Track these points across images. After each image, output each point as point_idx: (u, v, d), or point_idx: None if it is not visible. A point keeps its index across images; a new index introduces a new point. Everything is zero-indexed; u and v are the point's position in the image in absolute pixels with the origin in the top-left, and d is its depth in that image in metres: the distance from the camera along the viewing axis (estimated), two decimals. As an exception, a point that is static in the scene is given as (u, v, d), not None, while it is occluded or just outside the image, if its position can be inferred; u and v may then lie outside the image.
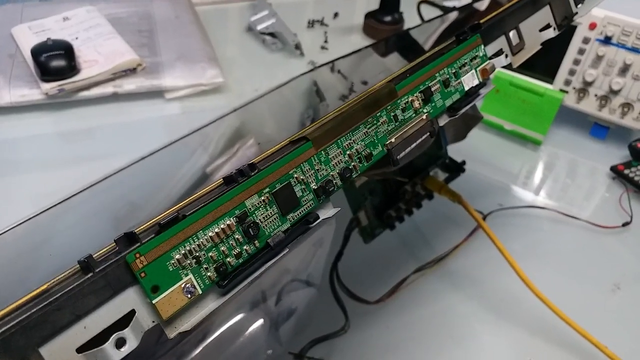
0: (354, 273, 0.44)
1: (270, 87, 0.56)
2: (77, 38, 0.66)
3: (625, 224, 0.51)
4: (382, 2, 0.74)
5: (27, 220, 0.34)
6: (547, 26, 0.34)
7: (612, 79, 0.58)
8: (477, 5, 0.52)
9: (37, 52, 0.60)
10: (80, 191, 0.39)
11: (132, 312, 0.15)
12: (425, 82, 0.24)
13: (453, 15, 0.61)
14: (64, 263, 0.24)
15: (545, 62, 0.61)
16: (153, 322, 0.15)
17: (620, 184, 0.56)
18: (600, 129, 0.62)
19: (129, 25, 0.70)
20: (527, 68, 0.62)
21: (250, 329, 0.33)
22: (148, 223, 0.16)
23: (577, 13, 0.36)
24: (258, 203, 0.18)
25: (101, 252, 0.15)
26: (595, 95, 0.60)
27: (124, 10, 0.73)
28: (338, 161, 0.21)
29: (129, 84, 0.64)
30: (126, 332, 0.15)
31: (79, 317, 0.14)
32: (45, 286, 0.14)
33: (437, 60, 0.25)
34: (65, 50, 0.61)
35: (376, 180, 0.45)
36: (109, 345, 0.14)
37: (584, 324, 0.39)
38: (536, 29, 0.33)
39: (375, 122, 0.22)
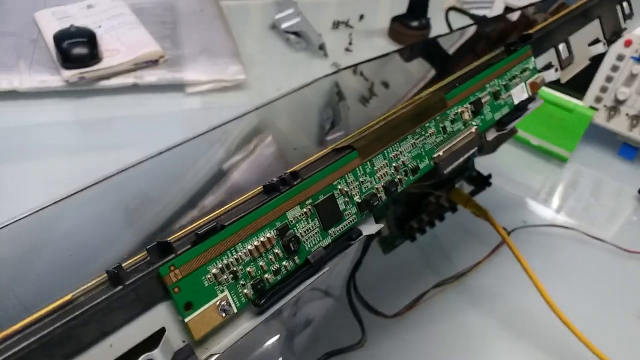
0: (372, 284, 0.43)
1: (291, 86, 0.55)
2: (100, 26, 0.65)
3: (652, 250, 0.49)
4: (409, 6, 0.72)
5: (37, 210, 0.33)
6: (596, 41, 0.32)
7: (647, 99, 0.56)
8: (508, 16, 0.51)
9: (59, 38, 0.59)
10: (95, 183, 0.38)
11: (162, 330, 0.14)
12: (475, 93, 0.23)
13: (483, 26, 0.59)
14: (76, 256, 0.23)
15: (576, 78, 0.59)
16: (183, 342, 0.14)
17: (648, 208, 0.54)
18: (629, 150, 0.60)
19: (152, 16, 0.69)
20: (557, 83, 0.60)
21: (267, 340, 0.31)
22: (183, 231, 0.14)
23: (626, 29, 0.34)
24: (300, 215, 0.17)
25: (131, 261, 0.14)
26: (627, 115, 0.58)
27: (148, 0, 0.72)
28: (384, 173, 0.19)
29: (150, 76, 0.63)
30: (155, 354, 0.13)
31: (105, 333, 0.13)
32: (69, 296, 0.13)
33: (488, 70, 0.24)
34: (88, 37, 0.60)
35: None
36: (137, 367, 0.13)
37: (605, 349, 0.38)
38: (585, 43, 0.31)
39: (423, 132, 0.21)
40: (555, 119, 0.59)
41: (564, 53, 0.29)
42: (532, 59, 0.26)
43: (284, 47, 0.73)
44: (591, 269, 0.49)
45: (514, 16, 0.51)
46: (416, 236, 0.45)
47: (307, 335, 0.37)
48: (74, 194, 0.35)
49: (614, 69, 0.57)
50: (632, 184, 0.57)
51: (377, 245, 0.44)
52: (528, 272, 0.41)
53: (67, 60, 0.58)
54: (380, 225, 0.19)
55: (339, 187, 0.18)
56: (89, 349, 0.12)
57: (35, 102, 0.58)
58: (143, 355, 0.13)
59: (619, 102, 0.58)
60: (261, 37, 0.75)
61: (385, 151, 0.19)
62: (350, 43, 0.74)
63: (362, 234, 0.18)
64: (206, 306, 0.14)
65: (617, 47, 0.57)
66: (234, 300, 0.15)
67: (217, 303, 0.15)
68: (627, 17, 0.35)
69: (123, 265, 0.13)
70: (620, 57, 0.57)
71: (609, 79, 0.58)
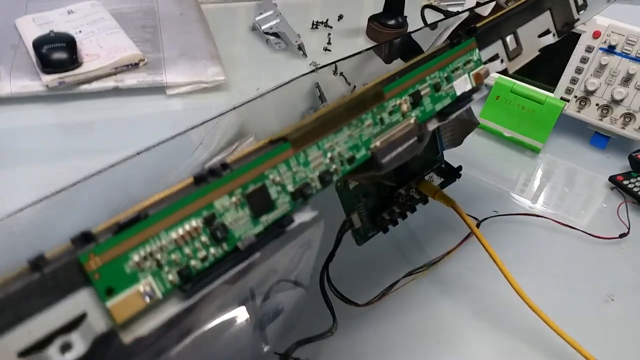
0: (345, 275, 0.43)
1: (271, 86, 0.55)
2: (80, 32, 0.65)
3: (622, 235, 0.50)
4: (385, 5, 0.73)
5: (16, 212, 0.34)
6: (547, 32, 0.33)
7: (615, 89, 0.57)
8: (479, 10, 0.51)
9: (39, 43, 0.60)
10: (78, 182, 0.38)
11: (83, 315, 0.14)
12: (414, 85, 0.24)
13: (456, 20, 0.60)
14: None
15: (547, 70, 0.60)
16: (107, 326, 0.15)
17: (618, 195, 0.55)
18: (600, 139, 0.61)
19: (133, 21, 0.70)
20: (528, 75, 0.61)
21: (235, 327, 0.32)
22: (108, 222, 0.15)
23: (578, 19, 0.35)
24: (229, 204, 0.17)
25: (55, 251, 0.15)
26: (597, 105, 0.59)
27: (128, 5, 0.73)
28: (318, 164, 0.20)
29: (130, 79, 0.63)
30: (73, 337, 0.14)
31: (21, 319, 0.13)
32: (-7, 284, 0.14)
33: (429, 63, 0.25)
34: (67, 42, 0.60)
35: (370, 184, 0.44)
36: (52, 350, 0.14)
37: (575, 334, 0.39)
38: (535, 35, 0.32)
39: (359, 124, 0.21)
40: (527, 111, 0.60)
41: (511, 44, 0.30)
42: (477, 51, 0.27)
43: (264, 48, 0.73)
44: (562, 255, 0.50)
45: (486, 10, 0.52)
46: (389, 228, 0.46)
47: (278, 324, 0.37)
48: (55, 193, 0.36)
49: (584, 60, 0.58)
50: (604, 172, 0.58)
51: (351, 238, 0.45)
52: (495, 260, 0.41)
53: (47, 65, 0.59)
54: (314, 213, 0.19)
55: (271, 176, 0.19)
56: (5, 333, 0.13)
57: (16, 107, 0.58)
58: (58, 338, 0.13)
59: (589, 93, 0.59)
60: (241, 39, 0.76)
61: (319, 142, 0.20)
62: (329, 43, 0.75)
63: (293, 221, 0.19)
64: (128, 291, 0.15)
65: (586, 38, 0.57)
66: (158, 286, 0.16)
67: (141, 289, 0.15)
68: (580, 7, 0.36)
69: (47, 254, 0.14)
70: (589, 49, 0.58)
71: (579, 71, 0.59)
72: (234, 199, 0.17)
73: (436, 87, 0.25)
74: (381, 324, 0.43)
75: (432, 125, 0.25)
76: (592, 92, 0.58)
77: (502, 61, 0.29)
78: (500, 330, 0.42)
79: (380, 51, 0.63)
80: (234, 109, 0.56)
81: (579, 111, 0.60)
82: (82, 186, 0.38)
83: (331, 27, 0.78)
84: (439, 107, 0.25)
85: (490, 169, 0.59)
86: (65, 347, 0.14)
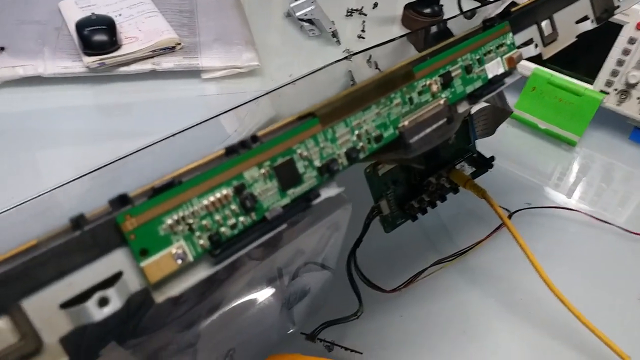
0: (373, 261, 0.44)
1: (303, 72, 0.56)
2: (120, 14, 0.67)
3: (657, 233, 0.49)
4: (422, -7, 0.72)
5: (53, 189, 0.35)
6: (585, 18, 0.32)
7: (659, 82, 0.55)
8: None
9: (81, 26, 0.62)
10: (115, 160, 0.40)
11: (119, 274, 0.15)
12: (445, 67, 0.24)
13: (493, 8, 0.59)
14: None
15: (586, 62, 0.59)
16: (140, 285, 0.16)
17: (659, 192, 0.54)
18: (640, 134, 0.59)
19: (171, 5, 0.71)
20: (566, 67, 0.60)
21: (262, 304, 0.33)
22: (144, 187, 0.16)
23: (618, 6, 0.34)
24: (257, 176, 0.18)
25: (95, 212, 0.15)
26: (638, 99, 0.57)
27: (167, -11, 0.74)
28: (345, 140, 0.20)
29: (167, 62, 0.65)
30: (110, 292, 0.15)
31: (63, 273, 0.14)
32: (34, 242, 0.14)
33: (461, 44, 0.25)
34: (108, 25, 0.62)
35: (400, 170, 0.44)
36: (91, 303, 0.14)
37: (605, 331, 0.38)
38: (572, 21, 0.32)
39: (388, 103, 0.22)
40: (564, 103, 0.58)
41: (547, 30, 0.29)
42: (510, 34, 0.27)
43: (297, 34, 0.74)
44: (595, 251, 0.49)
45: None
46: (417, 216, 0.46)
47: (305, 305, 0.38)
48: (92, 171, 0.37)
49: (626, 52, 0.57)
50: (641, 167, 0.56)
51: (379, 225, 0.45)
52: (526, 251, 0.41)
53: (88, 46, 0.61)
54: (341, 189, 0.20)
55: (299, 151, 0.19)
56: (49, 285, 0.14)
57: (58, 88, 0.61)
58: (97, 293, 0.14)
59: (630, 86, 0.57)
60: (276, 25, 0.77)
61: (347, 119, 0.20)
62: (363, 30, 0.75)
63: (320, 196, 0.19)
64: (161, 253, 0.16)
65: (629, 30, 0.56)
66: (190, 250, 0.16)
67: (173, 251, 0.16)
68: (621, -6, 0.35)
69: (87, 215, 0.15)
70: (632, 41, 0.56)
71: (620, 63, 0.57)
72: (262, 170, 0.18)
73: (467, 69, 0.25)
74: (407, 311, 0.43)
75: (462, 108, 0.25)
76: (633, 86, 0.57)
77: (536, 46, 0.28)
78: (528, 323, 0.42)
79: (414, 39, 0.62)
80: (266, 94, 0.56)
81: (618, 105, 0.58)
82: (120, 164, 0.39)
83: (366, 15, 0.77)
84: (469, 89, 0.25)
85: (524, 161, 0.58)
86: (103, 302, 0.15)
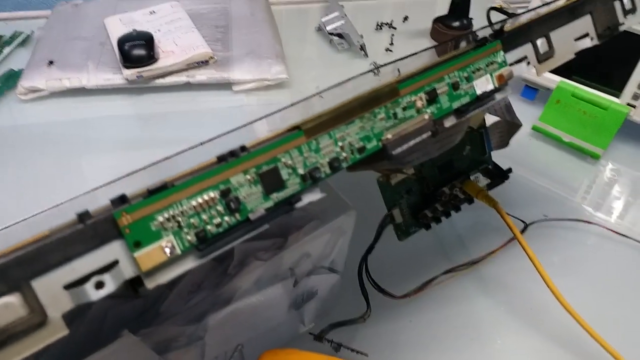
0: (384, 267, 0.45)
1: (330, 85, 0.58)
2: (159, 30, 0.71)
3: (680, 249, 0.48)
4: (451, 6, 0.74)
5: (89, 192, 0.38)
6: (585, 35, 0.33)
7: (685, 96, 0.55)
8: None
9: (122, 41, 0.66)
10: (147, 166, 0.43)
11: (115, 262, 0.18)
12: (431, 84, 0.25)
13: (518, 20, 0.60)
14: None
15: (613, 75, 0.59)
16: (134, 272, 0.18)
17: (683, 207, 0.53)
18: (669, 148, 0.58)
19: (207, 20, 0.75)
20: (593, 80, 0.60)
21: (271, 303, 0.35)
22: (141, 189, 0.19)
23: (623, 24, 0.35)
24: (243, 181, 0.20)
25: (99, 209, 0.18)
26: (666, 112, 0.57)
27: (204, 6, 0.78)
28: (329, 151, 0.22)
29: (200, 75, 0.68)
30: (105, 277, 0.17)
31: (68, 259, 0.17)
32: (47, 232, 0.17)
33: (448, 63, 0.26)
34: (146, 40, 0.66)
35: (414, 180, 0.46)
36: (89, 286, 0.17)
37: (617, 344, 0.38)
38: (571, 38, 0.33)
39: (372, 117, 0.24)
40: (589, 116, 0.58)
41: (542, 47, 0.31)
42: (501, 53, 0.28)
43: (327, 48, 0.76)
44: (612, 265, 0.48)
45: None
46: (431, 225, 0.47)
47: (314, 307, 0.40)
48: (119, 179, 0.40)
49: (654, 65, 0.56)
50: (668, 183, 0.56)
51: (393, 232, 0.46)
52: (534, 262, 0.42)
53: (128, 60, 0.65)
54: (322, 194, 0.22)
55: (283, 160, 0.21)
56: (55, 269, 0.17)
57: (99, 98, 0.65)
58: (94, 277, 0.17)
59: (657, 99, 0.57)
60: (307, 39, 0.80)
61: (331, 132, 0.22)
62: (391, 43, 0.76)
63: (301, 200, 0.21)
64: (152, 246, 0.18)
65: (656, 43, 0.56)
66: (178, 244, 0.19)
67: (163, 244, 0.18)
68: (628, 12, 0.35)
69: (92, 211, 0.18)
70: (660, 54, 0.56)
71: (647, 76, 0.57)
72: (248, 176, 0.20)
73: (454, 86, 0.26)
74: (416, 317, 0.44)
75: (448, 122, 0.26)
76: (659, 99, 0.56)
77: (528, 63, 0.30)
78: (538, 334, 0.42)
79: (441, 51, 0.64)
80: (292, 105, 0.59)
81: (646, 118, 0.58)
82: (153, 169, 0.42)
83: (395, 29, 0.79)
84: (456, 104, 0.26)
85: (546, 173, 0.58)
86: (99, 285, 0.17)
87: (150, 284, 0.18)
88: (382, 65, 0.65)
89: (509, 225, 0.44)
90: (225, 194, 0.20)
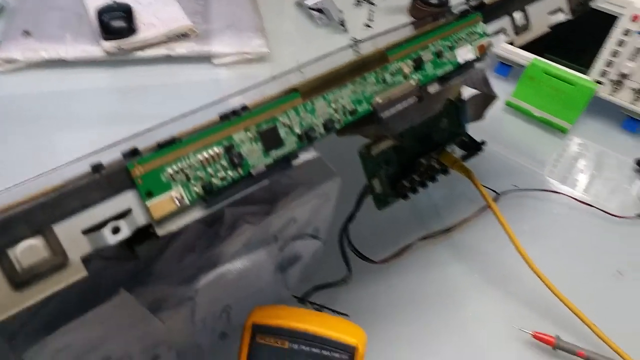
0: (364, 235, 0.47)
1: (310, 59, 0.59)
2: (139, 2, 0.70)
3: (639, 215, 0.52)
4: (429, -17, 0.75)
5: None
6: (559, 10, 0.35)
7: (650, 73, 0.58)
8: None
9: (101, 12, 0.66)
10: (127, 138, 0.44)
11: (129, 210, 0.19)
12: (417, 52, 0.27)
13: None
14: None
15: (582, 52, 0.62)
16: (146, 220, 0.19)
17: (643, 177, 0.56)
18: (632, 123, 0.62)
19: (186, -7, 0.75)
20: (564, 57, 0.63)
21: (257, 266, 0.37)
22: (152, 144, 0.20)
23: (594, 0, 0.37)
24: (245, 138, 0.22)
25: (111, 162, 0.19)
26: (631, 89, 0.59)
27: (183, -21, 0.77)
28: (323, 112, 0.24)
29: (181, 48, 0.68)
30: (121, 222, 0.19)
31: (86, 206, 0.18)
32: (61, 183, 0.18)
33: (433, 32, 0.28)
34: (126, 12, 0.66)
35: (392, 152, 0.48)
36: (106, 230, 0.18)
37: (581, 305, 0.41)
38: (545, 12, 0.34)
39: (363, 82, 0.25)
40: (559, 92, 0.61)
41: (519, 20, 0.32)
42: (482, 24, 0.30)
43: (307, 23, 0.77)
44: (577, 231, 0.52)
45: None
46: (408, 195, 0.49)
47: (298, 271, 0.42)
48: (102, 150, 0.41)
49: (620, 43, 0.59)
50: (632, 155, 0.59)
51: (372, 202, 0.48)
52: (506, 228, 0.44)
53: (107, 32, 0.65)
54: (317, 154, 0.23)
55: (281, 119, 0.23)
56: (75, 215, 0.18)
57: (77, 71, 0.65)
58: (112, 222, 0.18)
59: (623, 77, 0.60)
60: (287, 13, 0.80)
61: (325, 95, 0.24)
62: (370, 19, 0.77)
63: (298, 158, 0.23)
64: (163, 196, 0.20)
65: (624, 22, 0.58)
66: (186, 194, 0.20)
67: (173, 194, 0.20)
68: (598, -12, 0.37)
69: (105, 162, 0.19)
70: (626, 32, 0.58)
71: (614, 54, 0.59)
72: (249, 134, 0.22)
73: (438, 54, 0.28)
74: (394, 281, 0.46)
75: (432, 89, 0.28)
76: (626, 76, 0.59)
77: (507, 35, 0.31)
78: (508, 296, 0.45)
79: (418, 27, 0.65)
80: (273, 79, 0.60)
81: (612, 94, 0.61)
82: (133, 142, 0.43)
83: (374, 4, 0.80)
84: (440, 72, 0.28)
85: (516, 146, 0.61)
86: (116, 230, 0.18)
87: (161, 231, 0.20)
88: (361, 41, 0.66)
89: (482, 194, 0.46)
90: (228, 149, 0.21)
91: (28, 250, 0.17)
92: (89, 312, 0.28)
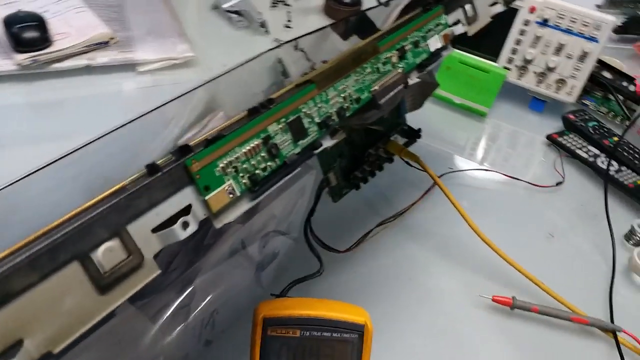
0: (325, 227, 0.49)
1: (237, 62, 0.59)
2: (47, 11, 0.66)
3: (558, 184, 0.59)
4: (341, -16, 0.78)
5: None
6: (496, 2, 0.39)
7: (549, 58, 0.65)
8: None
9: (9, 22, 0.61)
10: (53, 162, 0.41)
11: (189, 206, 0.19)
12: (400, 42, 0.29)
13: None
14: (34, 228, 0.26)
15: (491, 42, 0.68)
16: (204, 214, 0.20)
17: (554, 150, 0.64)
18: (538, 103, 0.69)
19: (97, 0, 0.72)
20: (475, 47, 0.68)
21: (241, 267, 0.37)
22: (196, 140, 0.20)
23: (521, -8, 0.42)
24: (277, 129, 0.22)
25: (161, 160, 0.19)
26: (534, 72, 0.67)
27: (91, -15, 0.74)
28: (335, 102, 0.25)
29: (102, 57, 0.65)
30: (189, 218, 0.19)
31: (152, 205, 0.18)
32: (120, 185, 0.18)
33: (409, 24, 0.30)
34: (38, 22, 0.62)
35: (344, 144, 0.50)
36: (177, 226, 0.18)
37: (525, 265, 0.46)
38: (487, 4, 0.38)
39: (362, 72, 0.27)
40: (475, 80, 0.67)
41: (469, 12, 0.36)
42: (444, 15, 0.33)
43: (226, 26, 0.77)
44: (509, 202, 0.57)
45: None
46: (360, 185, 0.52)
47: (272, 269, 0.42)
48: (30, 174, 0.38)
49: (522, 33, 0.66)
50: (542, 131, 0.66)
51: (327, 196, 0.50)
52: (455, 204, 0.48)
53: (19, 44, 0.60)
54: (336, 140, 0.25)
55: (304, 110, 0.24)
56: (144, 214, 0.18)
57: (-11, 86, 0.60)
58: (181, 218, 0.18)
59: (527, 62, 0.67)
60: (204, 17, 0.79)
61: (335, 85, 0.25)
62: (289, 20, 0.79)
63: (322, 145, 0.24)
64: (219, 189, 0.20)
65: (524, 13, 0.65)
66: (237, 187, 0.21)
67: (226, 188, 0.20)
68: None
69: (158, 162, 0.19)
70: (526, 22, 0.65)
71: (518, 42, 0.66)
72: (280, 125, 0.23)
73: (416, 44, 0.30)
74: (360, 267, 0.48)
75: (413, 76, 0.30)
76: (529, 61, 0.66)
77: (462, 25, 0.35)
78: (462, 266, 0.49)
79: (337, 28, 0.68)
80: (204, 84, 0.60)
81: (519, 78, 0.67)
82: (57, 166, 0.41)
83: (290, 6, 0.82)
84: (419, 60, 0.30)
85: (443, 133, 0.66)
86: (185, 225, 0.19)
87: (218, 223, 0.20)
88: (287, 41, 0.68)
89: (431, 175, 0.50)
90: (266, 141, 0.22)
91: (107, 253, 0.16)
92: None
